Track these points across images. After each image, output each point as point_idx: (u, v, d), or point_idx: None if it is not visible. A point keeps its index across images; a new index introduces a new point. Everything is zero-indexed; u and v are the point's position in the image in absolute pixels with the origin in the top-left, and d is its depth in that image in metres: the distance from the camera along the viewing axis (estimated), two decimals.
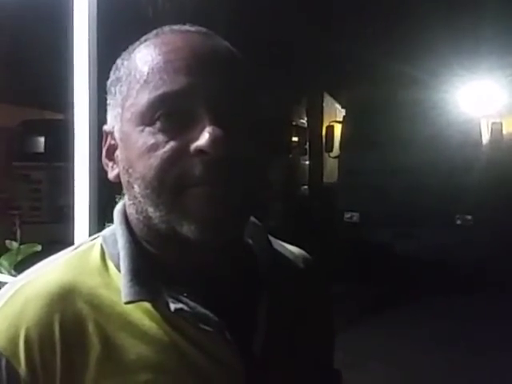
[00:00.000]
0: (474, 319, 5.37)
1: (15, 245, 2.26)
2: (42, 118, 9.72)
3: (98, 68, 1.49)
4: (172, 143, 0.62)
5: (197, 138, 0.61)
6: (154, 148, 0.62)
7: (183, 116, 0.63)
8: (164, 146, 0.62)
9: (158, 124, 0.63)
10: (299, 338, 0.72)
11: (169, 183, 0.61)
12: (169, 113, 0.62)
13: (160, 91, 0.63)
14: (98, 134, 1.46)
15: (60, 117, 9.18)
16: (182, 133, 0.62)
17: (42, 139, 8.94)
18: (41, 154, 8.70)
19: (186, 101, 0.63)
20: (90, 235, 1.37)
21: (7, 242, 2.27)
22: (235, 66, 0.67)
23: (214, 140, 0.60)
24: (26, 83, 8.65)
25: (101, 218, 1.44)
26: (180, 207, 0.62)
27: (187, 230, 0.62)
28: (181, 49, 0.65)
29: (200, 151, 0.61)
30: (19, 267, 2.21)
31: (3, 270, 2.18)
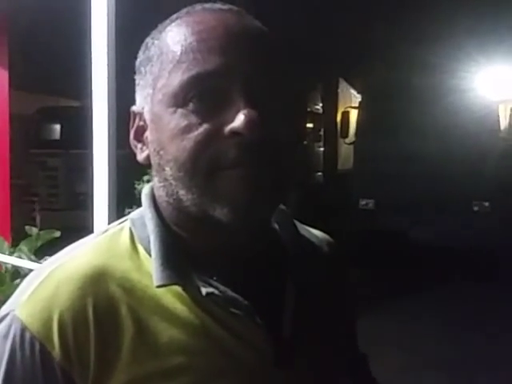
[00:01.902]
0: (490, 306, 5.34)
1: (35, 230, 2.29)
2: (58, 105, 9.77)
3: (116, 54, 1.49)
4: (206, 125, 0.61)
5: (231, 120, 0.60)
6: (187, 130, 0.61)
7: (217, 97, 0.61)
8: (197, 128, 0.61)
9: (190, 105, 0.61)
10: (326, 320, 0.72)
11: (202, 166, 0.61)
12: (202, 94, 0.61)
13: (193, 71, 0.61)
14: (117, 120, 1.47)
15: (76, 104, 9.23)
16: (216, 114, 0.61)
17: (58, 126, 9.00)
18: (57, 141, 8.76)
19: (221, 81, 0.61)
20: (109, 222, 1.39)
21: (27, 227, 2.30)
22: (269, 46, 0.65)
23: (249, 122, 0.59)
24: (42, 71, 8.70)
25: (120, 204, 1.45)
26: (213, 190, 0.61)
27: (220, 212, 0.61)
28: (214, 28, 0.63)
29: (235, 133, 0.60)
30: (39, 253, 2.24)
31: (23, 256, 2.21)
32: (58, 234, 2.38)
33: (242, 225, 0.62)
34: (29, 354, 0.60)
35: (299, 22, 8.18)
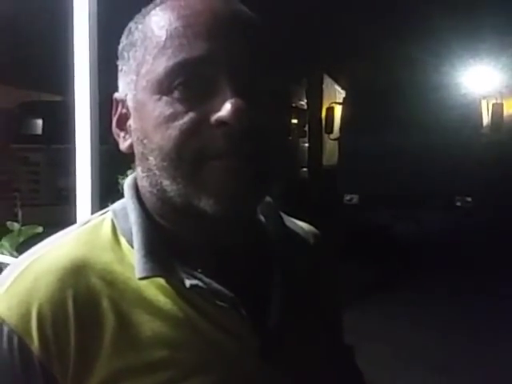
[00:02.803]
0: (474, 300, 5.40)
1: (17, 226, 2.26)
2: (39, 100, 9.66)
3: (98, 47, 1.47)
4: (191, 114, 0.59)
5: (218, 109, 0.58)
6: (172, 118, 0.59)
7: (203, 85, 0.59)
8: (183, 117, 0.59)
9: (176, 93, 0.59)
10: (312, 312, 0.72)
11: (188, 155, 0.59)
12: (188, 81, 0.59)
13: (179, 58, 0.59)
14: (100, 115, 1.45)
15: (58, 98, 9.14)
16: (202, 103, 0.59)
17: (39, 121, 8.90)
18: (39, 135, 8.67)
19: (207, 68, 0.59)
20: None
21: (8, 223, 2.27)
22: (257, 32, 0.63)
23: (236, 111, 0.57)
24: (23, 65, 8.59)
25: (103, 199, 1.43)
26: (198, 180, 0.59)
27: (205, 203, 0.60)
28: (201, 12, 0.61)
29: (221, 122, 0.58)
30: (21, 248, 2.21)
31: (5, 252, 2.18)
32: (40, 229, 2.35)
33: (227, 216, 0.61)
34: (7, 348, 0.59)
35: (284, 18, 8.17)
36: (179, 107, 0.59)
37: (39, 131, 8.84)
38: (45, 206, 7.60)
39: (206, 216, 0.61)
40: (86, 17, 1.47)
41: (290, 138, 10.20)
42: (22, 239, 2.26)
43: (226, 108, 0.58)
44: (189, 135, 0.59)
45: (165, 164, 0.60)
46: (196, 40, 0.60)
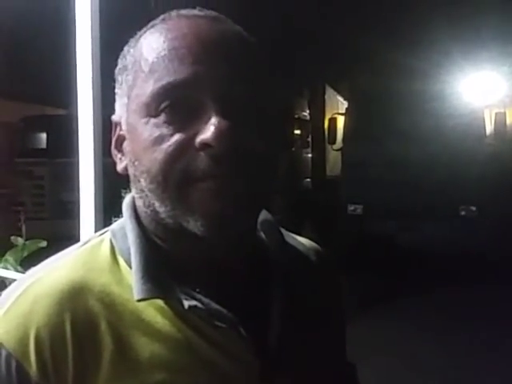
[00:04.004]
0: (477, 311, 5.36)
1: (21, 241, 2.26)
2: (43, 114, 9.70)
3: (101, 61, 1.48)
4: (177, 136, 0.59)
5: (202, 131, 0.59)
6: (158, 141, 0.60)
7: (189, 107, 0.60)
8: (169, 140, 0.59)
9: (162, 116, 0.60)
10: (313, 331, 0.71)
11: (173, 178, 0.59)
12: (174, 104, 0.60)
13: (164, 81, 0.60)
14: (103, 128, 1.45)
15: (62, 112, 9.18)
16: (188, 125, 0.60)
17: (43, 135, 8.93)
18: (43, 149, 8.69)
19: (191, 91, 0.60)
20: (95, 231, 1.37)
21: (12, 237, 2.27)
22: (245, 53, 0.63)
23: (219, 133, 0.57)
24: (27, 79, 8.64)
25: (107, 213, 1.43)
26: (185, 202, 0.59)
27: (193, 225, 0.60)
28: (186, 35, 0.61)
29: (205, 144, 0.58)
30: (25, 263, 2.21)
31: (9, 266, 2.18)
32: (44, 243, 2.35)
33: (216, 238, 0.61)
34: (5, 372, 0.58)
35: (285, 29, 8.21)
36: (165, 130, 0.60)
37: (43, 145, 8.87)
38: (49, 220, 7.61)
39: (198, 237, 0.60)
40: (88, 30, 1.48)
41: (293, 148, 10.22)
42: (26, 254, 2.25)
43: (210, 130, 0.58)
44: (174, 157, 0.59)
45: (153, 186, 0.61)
46: (180, 63, 0.60)
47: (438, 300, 5.72)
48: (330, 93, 11.53)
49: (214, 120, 0.58)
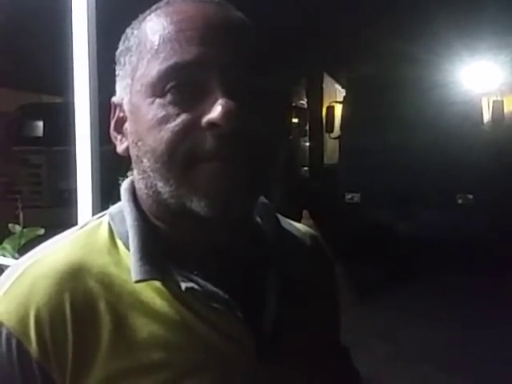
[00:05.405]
0: (476, 298, 5.40)
1: (18, 228, 2.26)
2: (40, 102, 9.66)
3: (97, 49, 1.47)
4: (183, 116, 0.60)
5: (209, 111, 0.59)
6: (164, 121, 0.60)
7: (195, 88, 0.60)
8: (175, 119, 0.60)
9: (168, 96, 0.60)
10: (309, 314, 0.72)
11: (179, 157, 0.60)
12: (180, 84, 0.60)
13: (171, 62, 0.60)
14: (100, 116, 1.45)
15: (58, 100, 9.14)
16: (194, 105, 0.60)
17: (40, 123, 8.91)
18: (40, 138, 8.67)
19: (198, 72, 0.60)
20: None
21: (10, 225, 2.28)
22: (249, 36, 0.65)
23: (226, 113, 0.58)
24: (24, 67, 8.59)
25: (104, 201, 1.43)
26: (190, 182, 0.60)
27: (197, 205, 0.60)
28: (193, 18, 0.62)
29: (212, 124, 0.59)
30: (22, 251, 2.21)
31: (7, 254, 2.18)
32: (41, 231, 2.35)
33: (219, 218, 0.61)
34: (5, 351, 0.59)
35: (284, 17, 8.16)
36: (171, 110, 0.60)
37: (40, 133, 8.84)
38: (46, 208, 7.61)
39: (199, 217, 0.61)
40: (85, 18, 1.47)
41: (291, 137, 10.21)
42: (23, 241, 2.26)
43: (217, 110, 0.59)
44: (180, 137, 0.60)
45: (158, 166, 0.61)
46: (187, 44, 0.61)
47: (435, 287, 5.75)
48: (327, 81, 11.50)
49: (221, 101, 0.59)
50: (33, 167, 8.27)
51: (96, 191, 1.46)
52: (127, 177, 0.73)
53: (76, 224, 0.72)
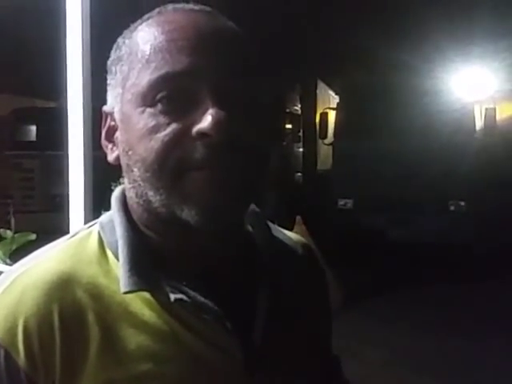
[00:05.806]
0: (466, 304, 5.41)
1: (9, 233, 2.25)
2: (33, 106, 9.63)
3: (91, 54, 1.47)
4: (174, 125, 0.60)
5: (199, 121, 0.59)
6: (154, 130, 0.60)
7: (185, 97, 0.60)
8: (165, 129, 0.60)
9: (159, 105, 0.61)
10: (299, 325, 0.72)
11: (169, 166, 0.60)
12: (171, 94, 0.60)
13: (162, 71, 0.61)
14: (93, 121, 1.45)
15: (51, 105, 9.11)
16: (184, 115, 0.60)
17: (33, 128, 8.88)
18: (33, 142, 8.64)
19: (189, 82, 0.60)
20: (85, 224, 1.36)
21: (1, 230, 2.26)
22: (240, 47, 0.65)
23: (216, 123, 0.58)
24: (17, 72, 8.57)
25: (96, 206, 1.43)
26: (180, 191, 0.60)
27: (187, 214, 0.60)
28: (184, 28, 0.62)
29: (202, 134, 0.59)
30: (14, 256, 2.20)
31: None
32: (33, 236, 2.34)
33: (210, 227, 0.61)
34: None
35: (277, 23, 8.19)
36: (162, 119, 0.60)
37: (33, 138, 8.81)
38: (39, 213, 7.57)
39: (189, 227, 0.61)
40: (79, 23, 1.47)
41: (285, 143, 10.23)
42: (14, 247, 2.25)
43: (207, 120, 0.59)
44: (171, 146, 0.60)
45: (148, 175, 0.61)
46: (178, 54, 0.61)
47: (427, 294, 5.76)
48: (321, 87, 11.53)
49: (211, 110, 0.59)
50: (25, 171, 8.24)
51: (88, 197, 1.46)
52: (120, 183, 0.73)
53: (68, 230, 0.72)
